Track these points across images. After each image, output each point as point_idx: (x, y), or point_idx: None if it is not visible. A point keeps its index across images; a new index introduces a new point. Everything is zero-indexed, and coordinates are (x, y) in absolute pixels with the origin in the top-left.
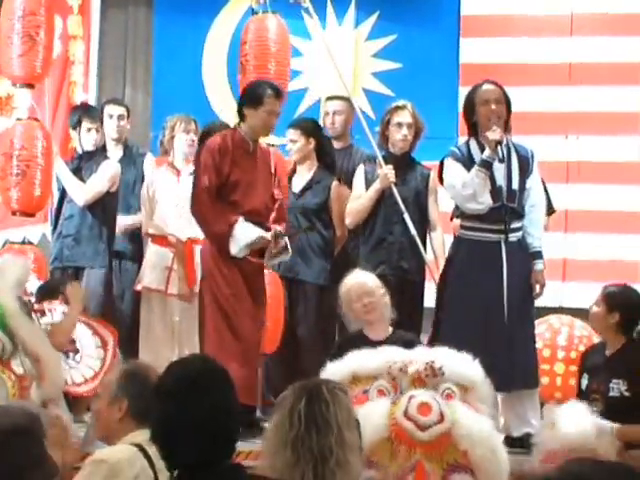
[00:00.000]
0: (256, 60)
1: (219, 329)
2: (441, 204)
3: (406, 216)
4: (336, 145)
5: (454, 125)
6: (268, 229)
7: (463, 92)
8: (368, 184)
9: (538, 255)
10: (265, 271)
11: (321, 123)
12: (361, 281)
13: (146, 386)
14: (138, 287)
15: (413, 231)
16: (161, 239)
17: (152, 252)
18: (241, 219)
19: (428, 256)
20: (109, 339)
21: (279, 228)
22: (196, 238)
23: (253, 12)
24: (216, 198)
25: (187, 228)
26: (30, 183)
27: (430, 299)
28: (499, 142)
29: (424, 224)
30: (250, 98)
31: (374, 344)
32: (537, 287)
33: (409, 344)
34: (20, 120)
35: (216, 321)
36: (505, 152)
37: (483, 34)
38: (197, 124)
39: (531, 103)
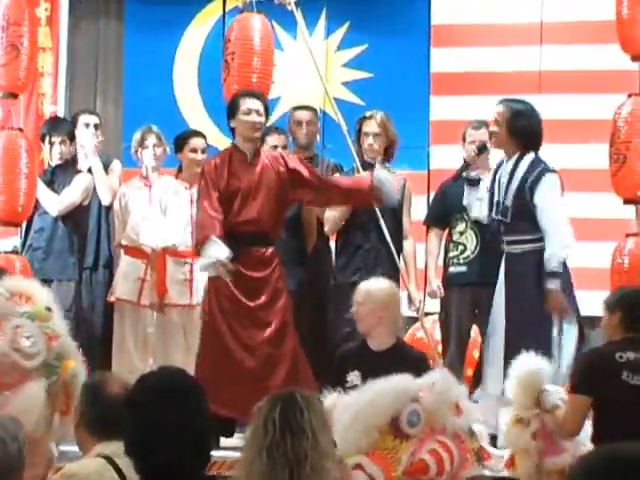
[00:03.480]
0: (240, 58)
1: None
2: (414, 213)
3: (382, 222)
4: (302, 155)
5: (425, 134)
6: (267, 238)
7: (434, 101)
8: None
9: (550, 275)
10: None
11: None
12: (362, 288)
13: (99, 399)
14: (111, 298)
15: (388, 238)
16: (134, 250)
17: (125, 263)
18: (213, 237)
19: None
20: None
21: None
22: (169, 248)
23: (239, 11)
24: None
25: (160, 238)
26: (14, 193)
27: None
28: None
29: (399, 233)
30: (229, 110)
31: (374, 355)
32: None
33: (414, 363)
34: (2, 129)
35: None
36: (509, 169)
37: (453, 43)
38: (159, 134)
39: None
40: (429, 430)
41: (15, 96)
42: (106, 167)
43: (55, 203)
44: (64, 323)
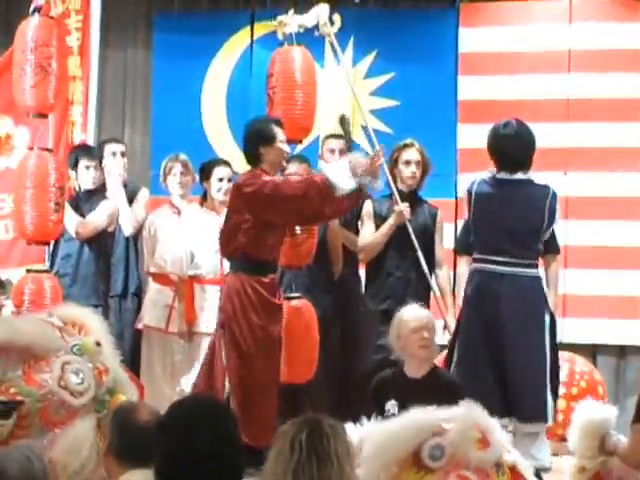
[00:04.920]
0: (282, 92)
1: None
2: (445, 241)
3: (419, 254)
4: None
5: (453, 162)
6: (277, 265)
7: (462, 129)
8: (376, 219)
9: None
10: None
11: (321, 161)
12: (424, 315)
13: (128, 427)
14: (139, 325)
15: (425, 269)
16: (162, 277)
17: (153, 290)
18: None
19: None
20: (134, 392)
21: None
22: (197, 276)
23: (279, 44)
24: None
25: (188, 266)
26: (44, 212)
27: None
28: None
29: (430, 261)
30: (264, 137)
31: (412, 382)
32: None
33: (449, 389)
34: (32, 150)
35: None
36: None
37: (481, 71)
38: (186, 162)
39: None
40: (454, 463)
41: (44, 116)
42: (134, 195)
43: (78, 227)
44: (115, 354)
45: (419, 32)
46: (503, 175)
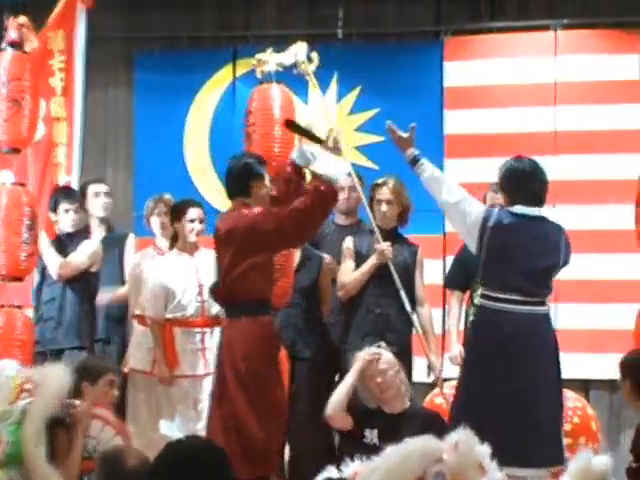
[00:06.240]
0: (261, 129)
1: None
2: (430, 277)
3: (402, 293)
4: (344, 221)
5: None
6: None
7: (448, 164)
8: (356, 256)
9: None
10: None
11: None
12: (379, 356)
13: (116, 472)
14: (125, 369)
15: (408, 307)
16: (145, 320)
17: (138, 333)
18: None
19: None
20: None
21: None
22: (178, 319)
23: (259, 82)
24: None
25: (166, 309)
26: (16, 248)
27: (418, 374)
28: None
29: (411, 299)
30: (254, 171)
31: (391, 417)
32: None
33: (429, 421)
34: (4, 185)
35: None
36: None
37: (466, 105)
38: (169, 202)
39: None
40: None
41: (18, 151)
42: (122, 242)
43: (58, 267)
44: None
45: (403, 67)
46: (519, 210)
